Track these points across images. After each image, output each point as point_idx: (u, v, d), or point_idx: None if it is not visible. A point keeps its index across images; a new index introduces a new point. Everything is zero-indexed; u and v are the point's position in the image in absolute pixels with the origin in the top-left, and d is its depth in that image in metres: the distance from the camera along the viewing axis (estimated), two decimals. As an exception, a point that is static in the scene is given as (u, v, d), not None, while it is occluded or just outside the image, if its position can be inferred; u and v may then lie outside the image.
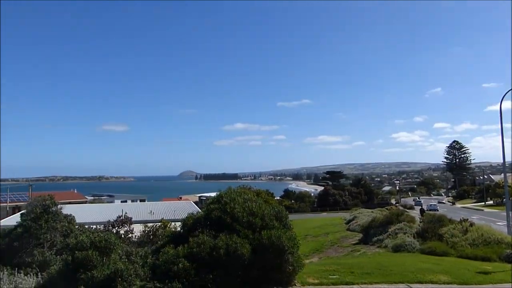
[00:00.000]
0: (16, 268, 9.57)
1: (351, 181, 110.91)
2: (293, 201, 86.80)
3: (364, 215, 43.11)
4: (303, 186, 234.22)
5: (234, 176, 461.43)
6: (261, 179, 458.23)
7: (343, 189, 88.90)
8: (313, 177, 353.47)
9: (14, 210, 57.96)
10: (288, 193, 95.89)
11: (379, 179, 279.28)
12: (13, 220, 29.88)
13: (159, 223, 18.27)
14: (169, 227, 17.36)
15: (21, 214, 13.79)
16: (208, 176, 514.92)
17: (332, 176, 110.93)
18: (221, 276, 8.83)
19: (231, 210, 10.31)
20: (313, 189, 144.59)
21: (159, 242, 12.73)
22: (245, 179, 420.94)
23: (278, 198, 78.95)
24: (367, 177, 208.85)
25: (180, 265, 8.58)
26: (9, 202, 64.08)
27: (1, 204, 64.17)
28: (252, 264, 9.30)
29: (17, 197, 68.34)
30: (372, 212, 48.60)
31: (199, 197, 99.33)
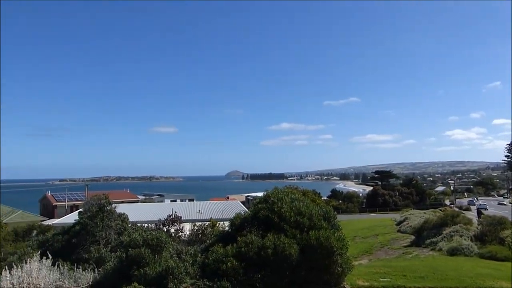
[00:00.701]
0: (75, 264, 10.08)
1: (401, 181, 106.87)
2: (340, 201, 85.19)
3: (416, 216, 41.47)
4: (351, 186, 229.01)
5: (280, 176, 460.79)
6: (307, 179, 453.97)
7: (393, 189, 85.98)
8: (361, 176, 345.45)
9: (72, 208, 61.59)
10: (335, 193, 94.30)
11: (431, 179, 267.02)
12: (71, 218, 31.69)
13: (208, 222, 18.58)
14: (217, 227, 17.63)
15: (79, 212, 14.55)
16: (254, 176, 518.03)
17: (381, 176, 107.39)
18: (269, 276, 8.80)
19: (278, 210, 10.26)
20: (361, 189, 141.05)
21: (208, 241, 12.94)
22: (291, 179, 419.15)
23: (325, 198, 77.82)
24: (418, 176, 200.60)
25: (228, 264, 8.66)
26: (68, 201, 68.35)
27: (61, 203, 68.68)
28: (300, 265, 9.20)
29: (74, 197, 72.73)
30: (424, 213, 46.68)
31: (246, 196, 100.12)
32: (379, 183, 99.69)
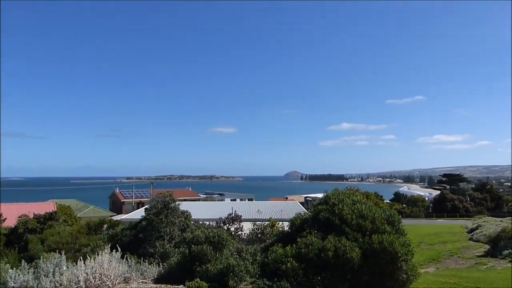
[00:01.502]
0: (142, 257, 10.58)
1: (473, 185, 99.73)
2: (404, 205, 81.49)
3: (491, 224, 38.40)
4: (416, 189, 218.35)
5: (340, 177, 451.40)
6: (369, 181, 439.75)
7: (463, 194, 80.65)
8: (427, 179, 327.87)
9: (138, 205, 65.20)
10: (398, 196, 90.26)
11: (509, 183, 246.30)
12: (138, 214, 33.53)
13: (267, 222, 18.66)
14: (276, 227, 17.65)
15: (145, 209, 15.25)
16: (313, 177, 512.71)
17: (450, 179, 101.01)
18: (329, 279, 8.60)
19: (339, 212, 9.99)
20: (428, 193, 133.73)
21: (267, 241, 12.97)
22: (352, 181, 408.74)
23: (388, 201, 74.96)
24: (493, 181, 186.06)
25: (288, 264, 8.58)
26: (134, 198, 72.49)
27: (128, 200, 73.02)
28: (361, 269, 8.88)
29: (140, 194, 76.97)
30: (501, 221, 43.08)
31: (305, 197, 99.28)
32: (447, 187, 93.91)
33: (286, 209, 39.43)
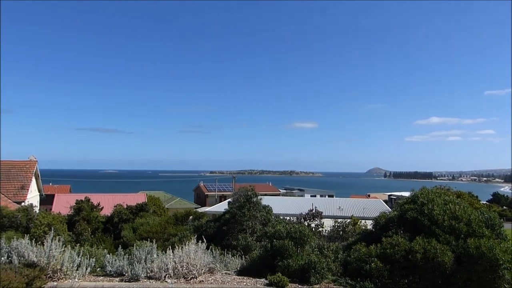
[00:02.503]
0: (225, 249, 10.94)
1: None
2: (505, 207, 73.95)
3: None
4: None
5: (428, 175, 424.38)
6: (461, 180, 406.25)
7: None
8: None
9: (221, 198, 67.87)
10: (498, 197, 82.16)
11: None
12: (221, 207, 34.79)
13: (349, 220, 18.19)
14: (358, 225, 17.13)
15: (228, 202, 15.71)
16: (398, 174, 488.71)
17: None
18: (417, 283, 8.10)
19: (429, 212, 9.34)
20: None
21: (349, 239, 12.64)
22: (441, 179, 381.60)
23: (485, 202, 68.62)
24: None
25: (372, 264, 8.26)
26: (217, 191, 75.60)
27: (211, 193, 76.39)
28: (454, 275, 8.21)
29: (223, 187, 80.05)
30: None
31: (389, 195, 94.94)
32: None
33: (369, 207, 38.12)
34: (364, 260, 8.52)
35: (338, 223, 17.70)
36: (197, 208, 51.99)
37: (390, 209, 16.91)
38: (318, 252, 9.51)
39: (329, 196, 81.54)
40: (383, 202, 47.50)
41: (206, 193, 77.82)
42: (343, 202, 44.88)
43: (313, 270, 8.34)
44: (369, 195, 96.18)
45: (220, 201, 58.36)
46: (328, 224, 18.52)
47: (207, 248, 9.51)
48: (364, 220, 18.87)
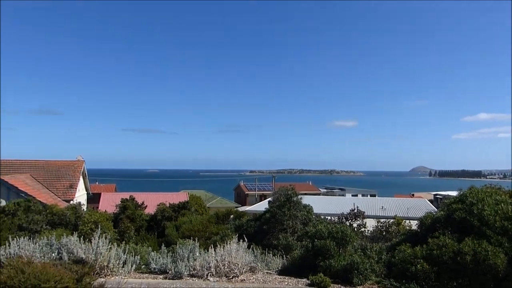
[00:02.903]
0: (266, 248, 10.98)
1: None
2: None
3: None
4: None
5: (477, 174, 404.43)
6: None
7: None
8: None
9: (261, 197, 68.08)
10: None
11: None
12: (261, 206, 34.88)
13: (392, 220, 17.71)
14: (402, 225, 16.65)
15: (269, 201, 15.74)
16: (443, 173, 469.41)
17: None
18: (466, 286, 7.75)
19: (478, 212, 8.91)
20: None
21: (394, 239, 12.31)
22: (491, 178, 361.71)
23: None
24: None
25: (418, 266, 7.99)
26: (257, 191, 75.89)
27: (251, 192, 76.85)
28: (508, 278, 7.78)
29: (263, 187, 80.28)
30: None
31: (434, 195, 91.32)
32: None
33: (413, 207, 36.88)
34: (409, 262, 8.27)
35: (381, 223, 17.28)
36: (238, 207, 52.41)
37: (436, 209, 16.27)
38: (361, 253, 9.33)
39: (371, 195, 79.72)
40: (429, 202, 45.76)
41: (246, 192, 78.38)
42: (385, 201, 43.71)
43: (356, 271, 8.20)
44: (413, 195, 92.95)
45: (260, 200, 58.57)
46: (370, 224, 18.12)
47: (248, 247, 9.57)
48: (408, 220, 18.28)
